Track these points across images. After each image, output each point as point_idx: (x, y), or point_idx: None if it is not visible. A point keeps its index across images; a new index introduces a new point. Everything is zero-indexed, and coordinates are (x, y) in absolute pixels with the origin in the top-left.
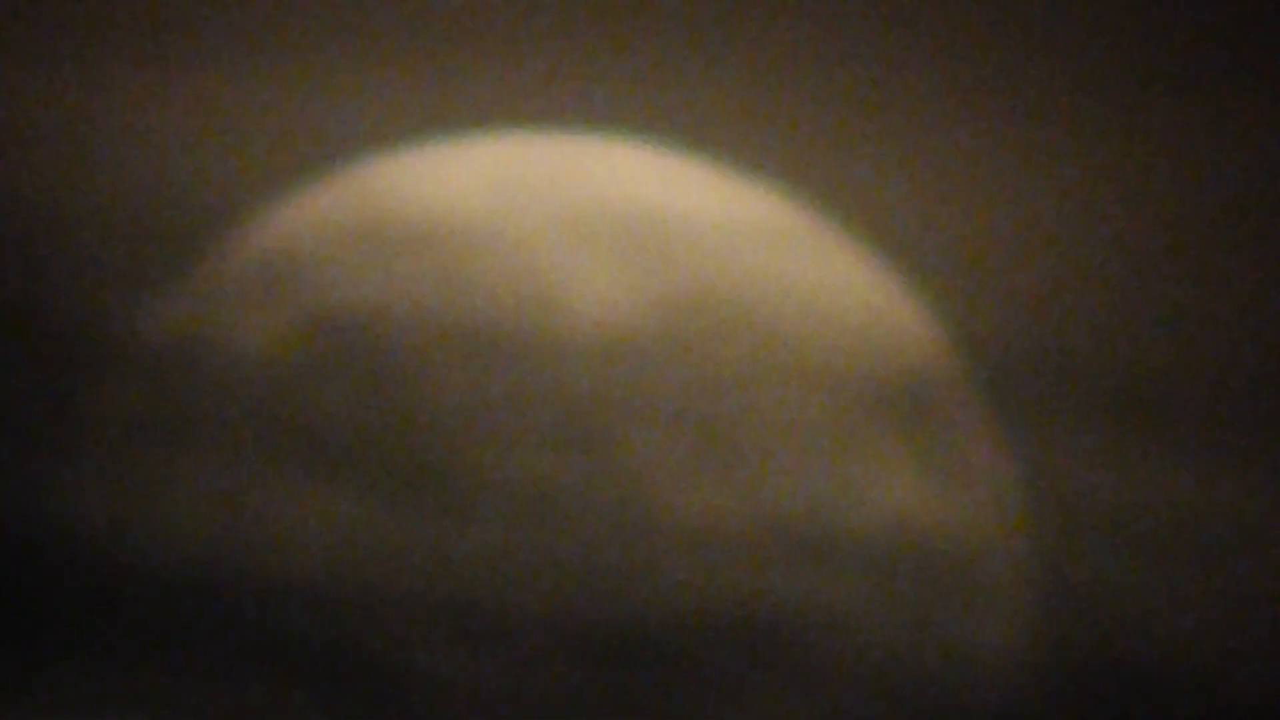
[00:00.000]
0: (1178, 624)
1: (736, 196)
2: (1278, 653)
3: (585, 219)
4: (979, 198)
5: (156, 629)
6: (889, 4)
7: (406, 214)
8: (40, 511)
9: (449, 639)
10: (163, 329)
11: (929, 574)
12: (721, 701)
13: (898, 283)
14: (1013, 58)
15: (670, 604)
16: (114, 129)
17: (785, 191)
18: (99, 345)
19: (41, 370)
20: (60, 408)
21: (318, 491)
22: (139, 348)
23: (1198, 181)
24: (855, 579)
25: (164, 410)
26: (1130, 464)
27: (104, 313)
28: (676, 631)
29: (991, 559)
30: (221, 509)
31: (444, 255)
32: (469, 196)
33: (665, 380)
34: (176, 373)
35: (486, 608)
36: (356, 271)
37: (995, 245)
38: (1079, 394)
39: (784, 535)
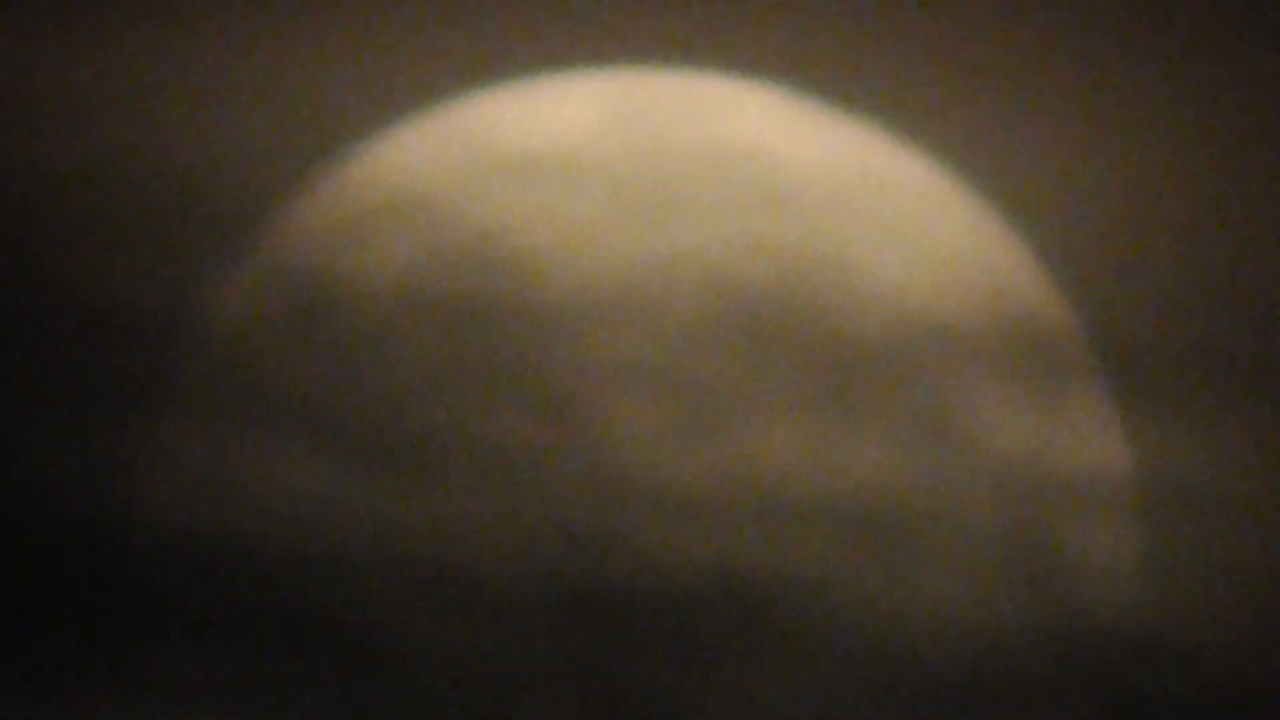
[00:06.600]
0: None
1: (848, 141)
2: None
3: (685, 158)
4: (1103, 160)
5: (136, 598)
6: None
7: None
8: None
9: (423, 604)
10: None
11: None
12: (699, 667)
13: (1012, 242)
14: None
15: (647, 568)
16: (200, 87)
17: (899, 140)
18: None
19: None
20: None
21: (300, 459)
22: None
23: None
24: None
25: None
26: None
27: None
28: (651, 596)
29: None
30: (201, 477)
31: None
32: (569, 132)
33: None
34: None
35: (460, 573)
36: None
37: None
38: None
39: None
